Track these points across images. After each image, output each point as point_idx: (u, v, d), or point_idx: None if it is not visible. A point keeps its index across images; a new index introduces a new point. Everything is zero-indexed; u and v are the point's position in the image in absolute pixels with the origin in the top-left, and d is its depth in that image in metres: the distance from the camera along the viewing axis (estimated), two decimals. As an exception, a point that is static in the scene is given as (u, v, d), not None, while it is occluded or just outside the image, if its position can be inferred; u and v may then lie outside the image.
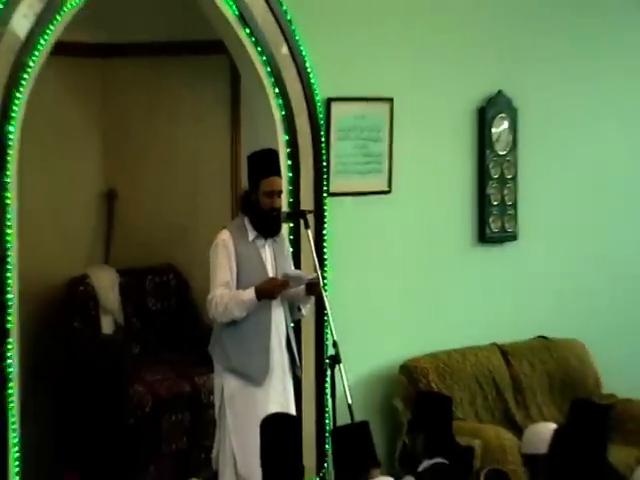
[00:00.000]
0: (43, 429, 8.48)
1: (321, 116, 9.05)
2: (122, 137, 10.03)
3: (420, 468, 7.20)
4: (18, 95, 7.60)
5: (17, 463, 7.65)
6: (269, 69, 8.74)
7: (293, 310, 7.98)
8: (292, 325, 8.07)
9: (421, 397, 7.94)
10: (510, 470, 6.78)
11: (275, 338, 7.77)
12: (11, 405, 7.60)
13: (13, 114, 7.57)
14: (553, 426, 7.18)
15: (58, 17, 7.76)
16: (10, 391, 7.57)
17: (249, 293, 7.45)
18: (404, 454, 8.26)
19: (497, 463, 7.76)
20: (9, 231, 7.57)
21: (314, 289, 7.77)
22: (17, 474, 7.62)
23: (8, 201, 7.51)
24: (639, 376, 9.45)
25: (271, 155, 8.00)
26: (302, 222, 8.11)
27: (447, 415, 7.61)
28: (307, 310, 8.17)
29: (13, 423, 7.62)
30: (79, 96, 9.55)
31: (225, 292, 7.50)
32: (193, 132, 9.75)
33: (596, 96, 10.92)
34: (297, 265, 8.35)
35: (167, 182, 9.85)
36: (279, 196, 7.81)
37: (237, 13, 8.53)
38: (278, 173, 7.91)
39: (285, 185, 8.38)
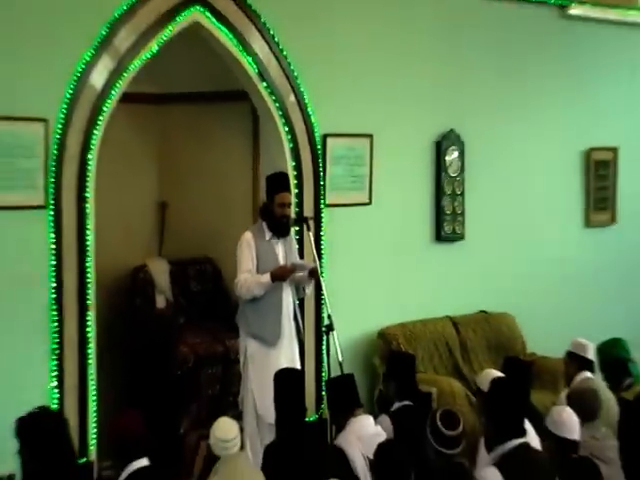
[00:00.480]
0: (113, 377, 8.46)
1: (319, 147, 9.05)
2: (172, 162, 10.04)
3: (392, 408, 7.23)
4: (95, 132, 7.68)
5: (94, 402, 7.70)
6: (280, 112, 8.77)
7: (299, 290, 8.03)
8: (297, 302, 8.05)
9: (392, 356, 8.11)
10: (458, 410, 6.67)
11: (285, 311, 7.82)
12: (90, 360, 7.69)
13: (92, 146, 7.66)
14: (498, 373, 7.12)
15: (125, 74, 7.84)
16: (89, 350, 7.68)
17: (266, 277, 7.54)
18: (380, 398, 8.24)
19: (449, 405, 7.70)
20: (88, 233, 7.69)
21: (314, 274, 7.88)
22: (95, 411, 7.69)
23: (88, 210, 7.64)
24: (553, 340, 9.33)
25: (283, 176, 8.13)
26: (305, 226, 8.21)
27: (412, 369, 7.75)
28: (309, 290, 8.22)
29: (91, 374, 7.71)
30: (140, 132, 9.61)
31: (248, 276, 7.58)
32: (224, 159, 9.74)
33: (523, 132, 10.95)
34: (301, 257, 8.32)
35: (205, 196, 9.88)
36: (289, 207, 7.91)
37: (257, 71, 8.59)
38: (288, 190, 8.03)
39: (293, 198, 8.28)
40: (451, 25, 10.15)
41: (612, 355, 8.56)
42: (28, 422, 5.74)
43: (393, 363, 7.75)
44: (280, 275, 7.60)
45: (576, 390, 7.42)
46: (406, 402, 7.25)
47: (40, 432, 5.66)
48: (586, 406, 6.87)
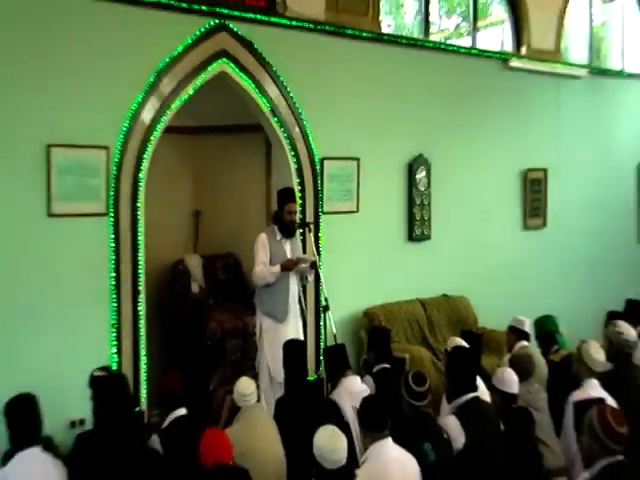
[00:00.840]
0: (159, 346, 8.52)
1: (318, 168, 9.07)
2: (204, 179, 10.08)
3: (374, 370, 7.15)
4: (145, 157, 7.76)
5: (145, 365, 7.81)
6: (288, 141, 8.81)
7: (302, 279, 8.07)
8: (301, 288, 8.07)
9: (372, 330, 8.09)
10: (425, 371, 6.70)
11: (291, 295, 7.89)
12: (141, 332, 7.80)
13: (142, 167, 7.74)
14: (461, 341, 7.20)
15: (168, 112, 7.91)
16: (140, 324, 7.79)
17: (277, 267, 7.66)
18: (365, 363, 8.20)
19: (418, 367, 7.73)
20: (139, 234, 7.77)
21: (314, 266, 7.98)
22: (145, 372, 7.78)
23: (139, 217, 7.73)
24: (498, 317, 9.35)
25: (290, 190, 8.18)
26: (307, 229, 8.34)
27: (387, 340, 7.70)
28: (310, 278, 8.26)
29: (142, 343, 7.83)
30: (179, 156, 9.69)
31: (262, 267, 7.68)
32: (244, 177, 9.80)
33: (475, 156, 10.99)
34: (303, 253, 8.25)
35: (229, 206, 9.91)
36: (295, 214, 7.95)
37: (269, 109, 8.65)
38: (294, 201, 8.04)
39: (298, 207, 8.29)
40: (420, 76, 10.20)
41: (544, 328, 8.63)
42: (97, 378, 5.85)
43: (373, 336, 7.80)
44: (287, 266, 7.69)
45: (515, 355, 7.48)
46: (384, 365, 7.34)
47: (106, 386, 5.78)
48: (523, 367, 6.94)
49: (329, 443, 4.61)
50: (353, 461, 4.92)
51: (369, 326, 9.25)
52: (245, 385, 6.06)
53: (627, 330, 7.85)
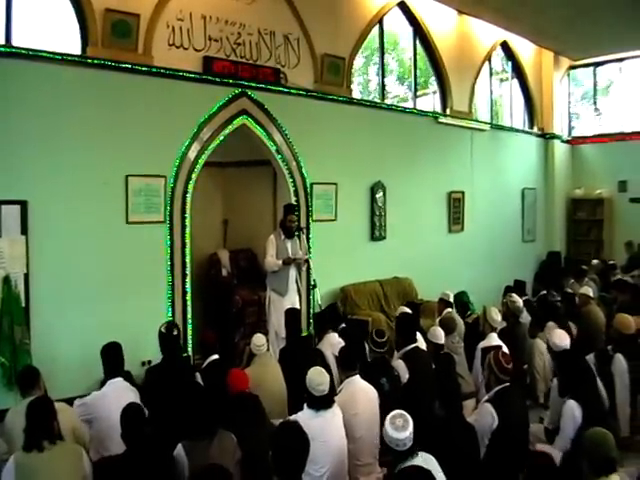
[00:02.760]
0: (200, 312, 8.42)
1: (309, 190, 9.01)
2: (230, 198, 10.04)
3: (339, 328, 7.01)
4: (190, 182, 7.84)
5: (190, 324, 7.75)
6: (288, 171, 8.83)
7: (298, 267, 7.99)
8: (298, 273, 8.05)
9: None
10: (382, 330, 6.69)
11: (290, 278, 7.90)
12: (188, 302, 7.76)
13: (188, 190, 7.78)
14: (405, 308, 7.22)
15: (206, 152, 7.87)
16: (187, 297, 7.76)
17: (280, 262, 7.62)
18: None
19: (378, 326, 7.70)
20: (187, 235, 7.78)
21: (306, 261, 7.89)
22: (191, 329, 7.74)
23: (186, 223, 7.73)
24: (432, 292, 9.38)
25: (292, 205, 8.20)
26: (302, 231, 8.21)
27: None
28: (304, 268, 8.22)
29: (188, 309, 7.76)
30: (213, 182, 9.60)
31: (271, 259, 7.69)
32: (257, 196, 9.72)
33: (415, 182, 10.89)
34: (300, 248, 8.14)
35: (248, 216, 9.80)
36: (294, 222, 7.91)
37: (275, 149, 8.63)
38: (294, 213, 8.04)
39: (295, 217, 8.22)
40: (378, 127, 10.16)
41: (460, 299, 8.68)
42: (164, 332, 5.86)
43: (350, 324, 7.88)
44: (287, 262, 7.67)
45: (443, 318, 7.50)
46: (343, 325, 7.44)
47: (166, 336, 5.84)
48: (448, 326, 6.99)
49: (317, 378, 4.67)
50: (333, 390, 4.93)
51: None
52: (259, 338, 6.15)
53: (517, 299, 7.99)
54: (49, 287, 6.53)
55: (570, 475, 3.69)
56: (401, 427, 3.81)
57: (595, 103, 15.89)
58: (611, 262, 12.85)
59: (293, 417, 4.50)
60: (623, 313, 6.95)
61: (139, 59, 7.19)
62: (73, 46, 6.90)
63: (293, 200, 8.79)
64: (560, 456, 4.65)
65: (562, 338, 6.05)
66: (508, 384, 4.98)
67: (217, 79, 7.92)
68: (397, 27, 11.49)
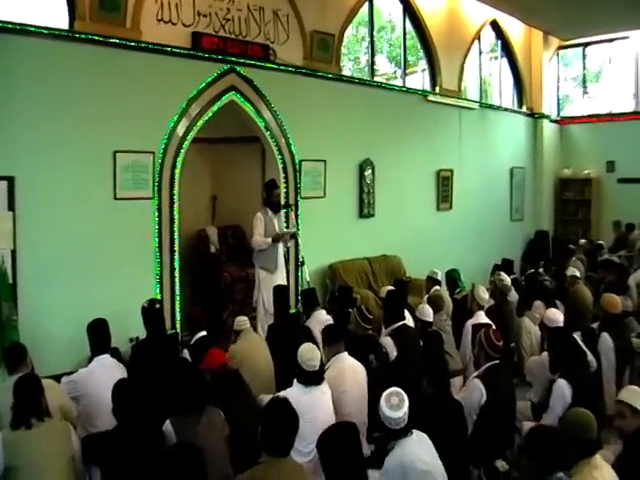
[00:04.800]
0: (188, 287, 8.33)
1: (297, 167, 8.96)
2: (218, 174, 9.94)
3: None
4: (178, 159, 7.72)
5: (178, 300, 7.74)
6: (277, 148, 8.73)
7: (285, 244, 8.02)
8: (286, 249, 8.08)
9: (340, 288, 7.91)
10: (371, 306, 6.72)
11: (279, 255, 7.87)
12: (176, 278, 7.72)
13: (176, 166, 7.70)
14: (391, 287, 7.22)
15: (194, 128, 7.78)
16: (175, 273, 7.72)
17: (269, 239, 7.61)
18: (330, 299, 8.21)
19: (366, 303, 7.69)
20: (175, 212, 7.70)
21: (294, 236, 7.92)
22: (179, 304, 7.72)
23: (175, 199, 7.69)
24: (420, 269, 9.40)
25: (274, 180, 8.14)
26: (290, 208, 8.31)
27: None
28: (290, 244, 8.26)
29: (176, 285, 7.69)
30: (202, 158, 9.45)
31: (259, 238, 7.65)
32: (246, 173, 9.60)
33: (406, 159, 10.89)
34: (287, 226, 8.21)
35: (236, 192, 9.70)
36: (279, 197, 7.97)
37: (264, 125, 8.53)
38: (278, 187, 8.06)
39: (282, 193, 8.31)
40: (367, 105, 10.10)
41: (451, 276, 8.72)
42: (144, 309, 5.88)
43: (341, 291, 7.86)
44: (277, 239, 7.66)
45: (431, 296, 7.49)
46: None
47: (147, 310, 5.88)
48: (436, 304, 6.99)
49: (308, 353, 4.71)
50: (322, 367, 4.93)
51: (332, 276, 9.29)
52: (241, 319, 6.19)
53: (505, 278, 8.00)
54: (37, 263, 6.47)
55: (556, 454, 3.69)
56: (396, 406, 3.81)
57: (584, 83, 15.87)
58: (598, 242, 12.89)
59: (282, 393, 4.50)
60: (610, 293, 7.00)
61: (127, 34, 7.07)
62: (61, 20, 6.76)
63: (281, 177, 8.75)
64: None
65: (556, 314, 6.09)
66: (497, 361, 5.01)
67: (206, 55, 7.83)
68: (387, 4, 11.41)
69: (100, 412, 4.60)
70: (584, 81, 15.85)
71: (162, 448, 3.90)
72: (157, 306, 6.16)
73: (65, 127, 6.68)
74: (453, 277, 8.72)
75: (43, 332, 6.37)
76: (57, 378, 5.24)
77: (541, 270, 10.58)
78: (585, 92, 15.85)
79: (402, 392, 3.91)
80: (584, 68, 15.70)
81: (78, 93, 6.78)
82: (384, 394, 3.92)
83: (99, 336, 5.31)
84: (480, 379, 4.88)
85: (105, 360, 5.20)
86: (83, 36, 6.69)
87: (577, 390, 5.06)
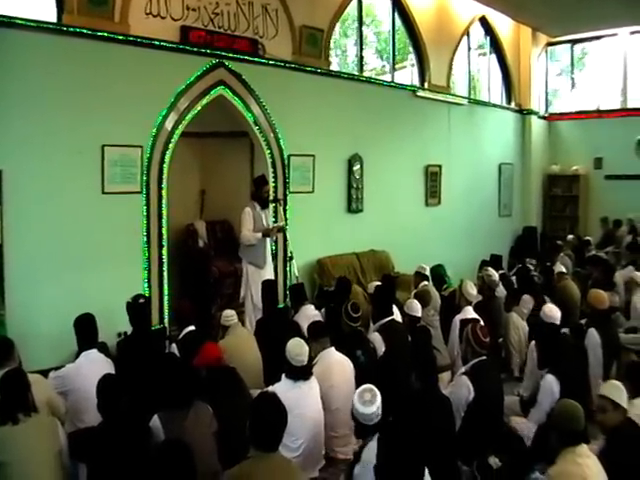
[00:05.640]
0: (177, 282, 8.27)
1: (286, 162, 8.93)
2: (207, 169, 9.89)
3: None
4: (167, 153, 7.66)
5: (167, 295, 7.71)
6: (265, 143, 8.70)
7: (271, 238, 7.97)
8: (274, 246, 8.07)
9: (339, 280, 7.86)
10: (359, 301, 6.72)
11: (267, 250, 7.85)
12: (164, 272, 7.69)
13: (165, 160, 7.64)
14: (378, 283, 7.22)
15: (183, 122, 7.77)
16: (164, 267, 7.71)
17: (259, 234, 7.59)
18: (319, 295, 8.20)
19: (354, 299, 7.62)
20: (163, 206, 7.68)
21: (281, 230, 7.91)
22: (167, 299, 7.67)
23: (163, 194, 7.66)
24: (408, 265, 9.45)
25: (264, 176, 8.10)
26: (279, 202, 8.28)
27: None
28: (274, 238, 8.32)
29: (164, 279, 7.69)
30: (190, 153, 9.40)
31: (248, 233, 7.61)
32: (235, 167, 9.56)
33: (392, 155, 10.86)
34: (275, 220, 8.21)
35: (225, 187, 9.66)
36: (269, 192, 7.93)
37: (253, 120, 8.53)
38: (268, 183, 8.03)
39: (271, 188, 8.29)
40: (356, 100, 10.09)
41: (437, 272, 8.70)
42: (131, 302, 5.87)
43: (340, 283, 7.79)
44: (267, 233, 7.64)
45: (419, 291, 7.51)
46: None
47: (131, 305, 5.90)
48: (424, 299, 7.01)
49: (297, 348, 4.75)
50: (311, 362, 4.95)
51: (320, 271, 9.28)
52: (228, 312, 6.24)
53: (493, 273, 8.02)
54: (24, 258, 6.43)
55: (544, 446, 3.72)
56: (369, 402, 3.84)
57: (572, 80, 15.92)
58: (586, 238, 12.97)
59: (270, 388, 4.50)
60: (597, 288, 7.03)
61: (115, 28, 7.03)
62: (49, 14, 6.71)
63: (270, 172, 8.73)
64: (535, 428, 4.71)
65: (553, 311, 6.08)
66: (485, 357, 5.02)
67: (194, 49, 7.79)
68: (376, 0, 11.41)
69: (88, 407, 4.58)
70: (572, 78, 15.89)
71: (149, 443, 3.89)
72: (141, 301, 6.17)
73: (53, 121, 6.64)
74: (439, 273, 8.72)
75: (30, 327, 6.33)
76: (44, 373, 5.21)
77: (530, 266, 10.61)
78: (573, 88, 15.88)
79: (375, 388, 3.93)
80: (572, 64, 15.74)
81: (66, 87, 6.73)
82: (357, 391, 3.98)
83: (86, 331, 5.29)
84: (467, 375, 4.89)
85: (93, 355, 5.19)
86: (71, 29, 6.65)
87: (565, 385, 5.08)
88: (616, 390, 4.06)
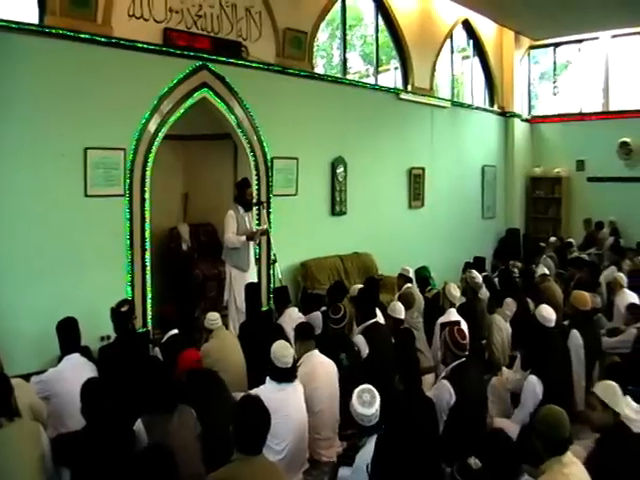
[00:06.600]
0: (160, 285, 8.24)
1: (270, 164, 8.93)
2: (191, 171, 9.82)
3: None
4: (150, 155, 7.67)
5: (150, 298, 7.71)
6: (249, 145, 8.73)
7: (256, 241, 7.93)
8: (257, 249, 8.10)
9: (331, 286, 7.81)
10: (342, 304, 6.70)
11: (251, 254, 7.82)
12: (147, 276, 7.68)
13: (148, 163, 7.64)
14: (361, 285, 7.22)
15: (166, 124, 7.72)
16: (147, 271, 7.70)
17: (243, 238, 7.55)
18: (303, 298, 8.19)
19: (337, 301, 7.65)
20: (146, 209, 7.67)
21: (265, 233, 7.86)
22: (151, 303, 7.65)
23: (146, 197, 7.63)
24: (392, 267, 9.46)
25: (247, 179, 8.05)
26: (262, 205, 8.38)
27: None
28: (257, 241, 8.12)
29: (148, 283, 7.68)
30: (174, 155, 9.35)
31: (232, 236, 7.55)
32: (218, 170, 9.53)
33: (375, 158, 10.96)
34: (258, 222, 8.23)
35: (207, 190, 9.62)
36: (252, 195, 7.89)
37: (236, 123, 8.54)
38: (251, 187, 7.97)
39: (254, 191, 8.29)
40: (340, 103, 10.12)
41: (421, 274, 8.73)
42: (115, 309, 5.84)
43: (332, 290, 7.67)
44: (250, 237, 7.60)
45: (402, 293, 7.54)
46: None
47: (114, 311, 5.89)
48: (407, 301, 7.04)
49: (282, 350, 4.79)
50: (295, 365, 4.96)
51: (304, 273, 9.30)
52: (212, 314, 6.21)
53: (477, 275, 8.05)
54: (5, 261, 6.41)
55: (527, 447, 3.74)
56: (368, 403, 3.87)
57: (554, 83, 16.02)
58: (568, 240, 13.06)
59: (255, 391, 4.50)
60: (581, 290, 7.08)
61: (98, 29, 7.02)
62: (31, 15, 6.68)
63: (253, 175, 8.74)
64: (518, 429, 4.73)
65: (550, 314, 6.09)
66: (464, 359, 5.04)
67: (177, 51, 7.79)
68: (360, 2, 11.44)
69: (71, 412, 4.56)
70: (554, 81, 15.99)
71: (133, 448, 3.88)
72: (124, 309, 6.16)
73: (34, 123, 6.62)
74: (423, 275, 8.75)
75: (12, 331, 6.31)
76: (27, 377, 5.19)
77: (515, 269, 10.65)
78: (555, 90, 15.97)
79: (374, 389, 3.94)
80: (555, 68, 15.84)
81: (48, 89, 6.72)
82: (356, 391, 3.96)
83: (69, 335, 5.27)
84: (448, 379, 4.89)
85: (75, 359, 5.17)
86: (53, 31, 6.64)
87: (548, 386, 5.12)
88: (608, 391, 4.03)
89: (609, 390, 4.05)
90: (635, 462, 3.76)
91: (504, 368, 5.91)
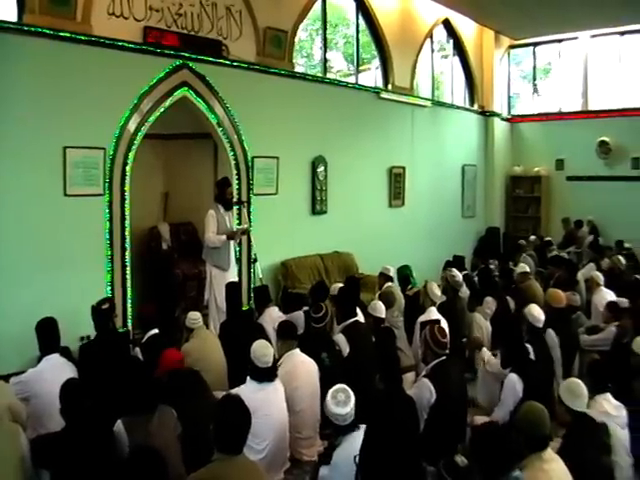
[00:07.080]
0: (140, 285, 8.23)
1: (250, 163, 8.94)
2: (171, 171, 9.79)
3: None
4: (130, 154, 7.64)
5: (130, 298, 7.67)
6: (229, 145, 8.73)
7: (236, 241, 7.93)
8: (238, 248, 8.07)
9: (313, 287, 7.76)
10: (323, 304, 6.72)
11: (232, 253, 7.84)
12: (127, 276, 7.65)
13: (128, 162, 7.58)
14: (341, 285, 7.24)
15: (146, 124, 7.73)
16: (127, 270, 7.67)
17: (223, 237, 7.56)
18: (283, 297, 8.21)
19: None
20: (126, 208, 7.63)
21: (246, 232, 7.88)
22: (130, 303, 7.63)
23: (126, 196, 7.59)
24: (372, 266, 9.50)
25: (227, 178, 8.03)
26: (242, 205, 8.37)
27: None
28: (238, 240, 8.12)
29: (128, 282, 7.62)
30: (154, 155, 9.32)
31: (212, 235, 7.55)
32: (199, 169, 9.48)
33: (356, 158, 10.93)
34: (239, 223, 8.20)
35: (188, 189, 9.57)
36: (232, 194, 7.93)
37: (217, 122, 8.52)
38: (231, 186, 7.97)
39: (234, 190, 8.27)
40: (320, 102, 10.16)
41: (402, 273, 8.77)
42: (95, 306, 5.82)
43: (314, 289, 7.62)
44: (231, 236, 7.61)
45: (383, 292, 7.58)
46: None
47: (94, 309, 5.88)
48: (388, 300, 7.07)
49: (262, 349, 4.78)
50: (276, 364, 4.96)
51: (285, 272, 9.31)
52: (193, 314, 6.20)
53: (457, 274, 8.09)
54: (-17, 261, 6.37)
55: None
56: (342, 402, 3.87)
57: (534, 82, 16.13)
58: (547, 238, 13.17)
59: (235, 390, 4.49)
60: (559, 288, 7.13)
61: (78, 28, 6.97)
62: (9, 13, 6.64)
63: (233, 174, 8.74)
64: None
65: (541, 314, 6.10)
66: (445, 358, 5.06)
67: (158, 50, 7.76)
68: (341, 1, 11.45)
69: (51, 413, 4.52)
70: (534, 80, 16.10)
71: (113, 449, 3.87)
72: (105, 306, 6.12)
73: (13, 122, 6.56)
74: (405, 273, 8.78)
75: (-9, 331, 6.27)
76: (5, 378, 5.17)
77: (492, 267, 10.73)
78: (535, 90, 16.09)
79: (348, 389, 3.96)
80: (534, 67, 15.94)
81: (27, 87, 6.67)
82: (330, 391, 3.98)
83: (48, 335, 5.24)
84: (428, 378, 4.90)
85: (55, 360, 5.13)
86: (32, 29, 6.58)
87: (528, 384, 5.15)
88: (567, 392, 4.18)
89: (566, 387, 4.23)
90: (600, 452, 3.90)
91: (484, 348, 6.06)
